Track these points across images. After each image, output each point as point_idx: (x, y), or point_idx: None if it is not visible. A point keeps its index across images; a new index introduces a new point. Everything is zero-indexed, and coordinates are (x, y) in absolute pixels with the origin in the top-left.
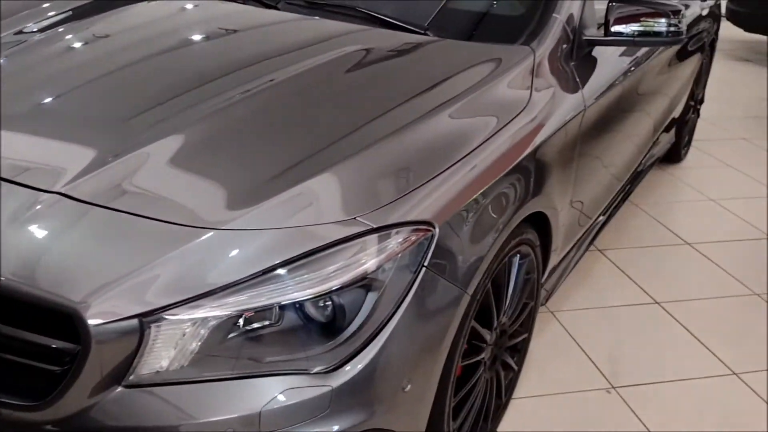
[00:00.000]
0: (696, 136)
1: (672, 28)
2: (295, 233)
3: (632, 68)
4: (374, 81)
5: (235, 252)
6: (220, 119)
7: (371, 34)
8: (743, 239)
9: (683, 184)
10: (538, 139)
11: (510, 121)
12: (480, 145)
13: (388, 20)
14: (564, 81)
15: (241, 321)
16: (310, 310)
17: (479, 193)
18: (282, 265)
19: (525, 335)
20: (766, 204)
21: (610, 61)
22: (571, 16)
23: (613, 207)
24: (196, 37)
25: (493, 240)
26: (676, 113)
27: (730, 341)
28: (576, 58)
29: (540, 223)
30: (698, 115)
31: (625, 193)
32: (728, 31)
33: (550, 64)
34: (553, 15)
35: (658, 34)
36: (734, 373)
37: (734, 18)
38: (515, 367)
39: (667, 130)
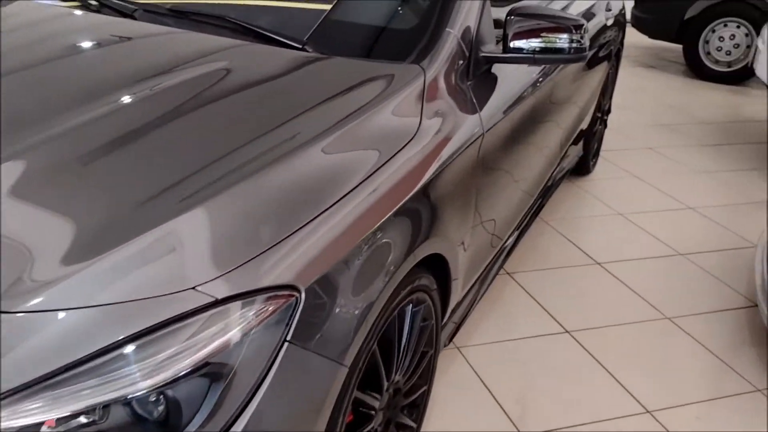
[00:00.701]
0: (604, 146)
1: (575, 45)
2: (113, 312)
3: (537, 82)
4: (232, 108)
5: (29, 342)
6: (48, 154)
7: (239, 49)
8: (652, 257)
9: (592, 198)
10: (429, 173)
11: (395, 155)
12: (357, 186)
13: (261, 33)
14: (459, 103)
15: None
16: (137, 408)
17: (356, 244)
18: (91, 357)
19: (424, 388)
20: (675, 218)
21: (512, 76)
22: (467, 30)
23: (523, 226)
24: (42, 54)
25: (377, 296)
26: (584, 125)
27: (643, 374)
28: (473, 77)
29: (437, 262)
30: (606, 126)
31: (535, 210)
32: (634, 37)
33: (443, 84)
34: (447, 29)
35: (560, 50)
36: (648, 412)
37: (639, 25)
38: (413, 425)
39: (575, 142)
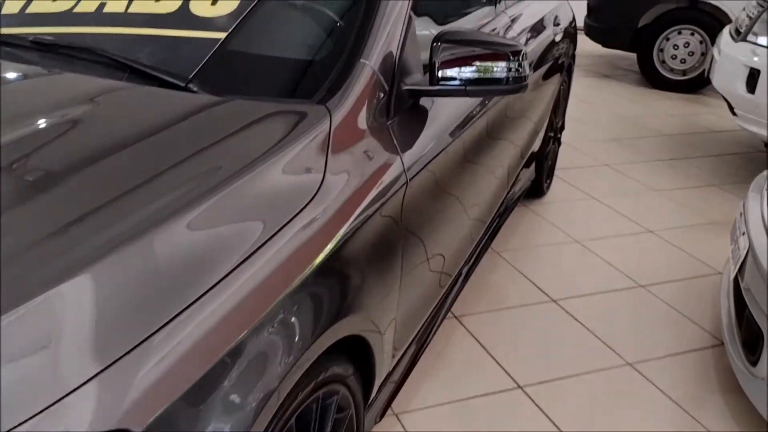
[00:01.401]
0: (559, 164)
1: (513, 74)
2: None
3: (479, 108)
4: (73, 171)
5: None
6: None
7: (106, 95)
8: (611, 290)
9: (547, 224)
10: (336, 239)
11: (288, 222)
12: (232, 271)
13: (138, 69)
14: (377, 148)
15: None
16: None
17: (229, 349)
18: None
19: None
20: (634, 243)
21: (448, 104)
22: (386, 60)
23: (472, 262)
24: None
25: (260, 407)
26: (536, 147)
27: None
28: (396, 114)
29: (356, 341)
30: (559, 144)
31: (486, 242)
32: (588, 46)
33: (356, 127)
34: (361, 61)
35: (496, 81)
36: None
37: (592, 33)
38: None
39: (527, 165)
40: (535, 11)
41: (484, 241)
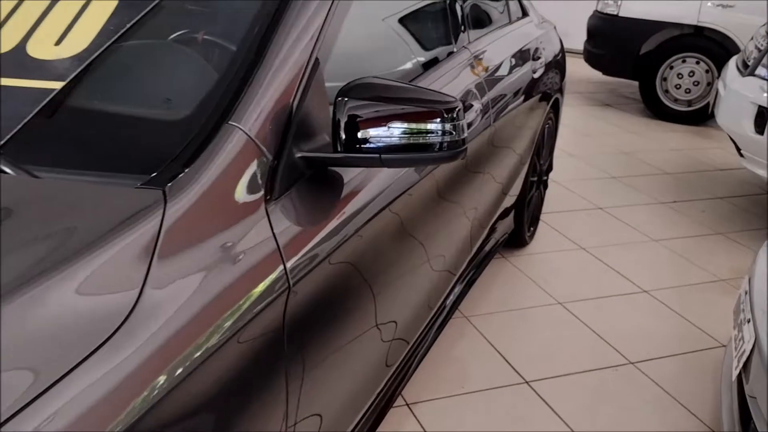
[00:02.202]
0: (546, 206)
1: (447, 138)
2: None
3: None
4: None
5: None
6: None
7: None
8: (597, 368)
9: (526, 281)
10: (158, 387)
11: (68, 373)
12: None
13: None
14: (240, 244)
15: None
16: None
17: None
18: None
19: None
20: (626, 308)
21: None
22: (272, 120)
23: (428, 338)
24: None
25: None
26: (514, 194)
27: None
28: (285, 191)
29: None
30: (546, 187)
31: (446, 313)
32: (589, 71)
33: (208, 216)
34: (229, 123)
35: (424, 147)
36: None
37: (591, 60)
38: None
39: (503, 216)
40: (509, 44)
41: (442, 315)
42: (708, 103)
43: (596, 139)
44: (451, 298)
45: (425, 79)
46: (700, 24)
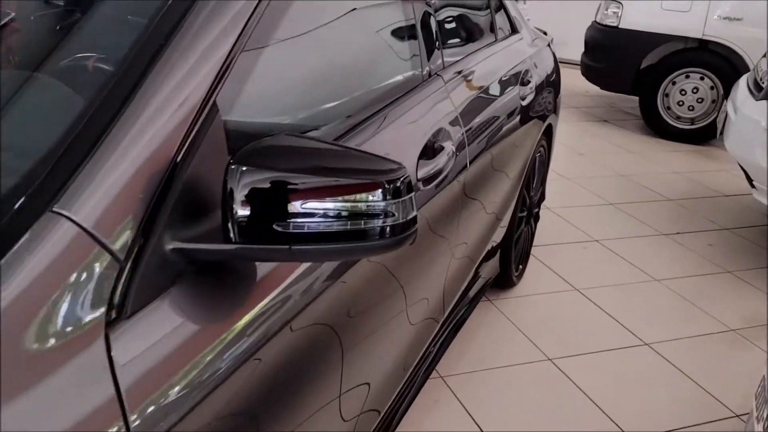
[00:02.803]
0: (540, 237)
1: (387, 221)
2: None
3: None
4: None
5: None
6: None
7: None
8: None
9: (513, 332)
10: None
11: None
12: None
13: None
14: (54, 412)
15: None
16: None
17: None
18: None
19: None
20: (624, 365)
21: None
22: (125, 200)
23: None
24: None
25: None
26: (497, 237)
27: None
28: (146, 302)
29: None
30: (537, 220)
31: (421, 377)
32: (587, 85)
33: (8, 362)
34: (52, 211)
35: (356, 234)
36: None
37: (589, 74)
38: None
39: (486, 259)
40: (493, 67)
41: (416, 378)
42: (712, 122)
43: (593, 160)
44: (424, 366)
45: (382, 118)
46: (705, 37)
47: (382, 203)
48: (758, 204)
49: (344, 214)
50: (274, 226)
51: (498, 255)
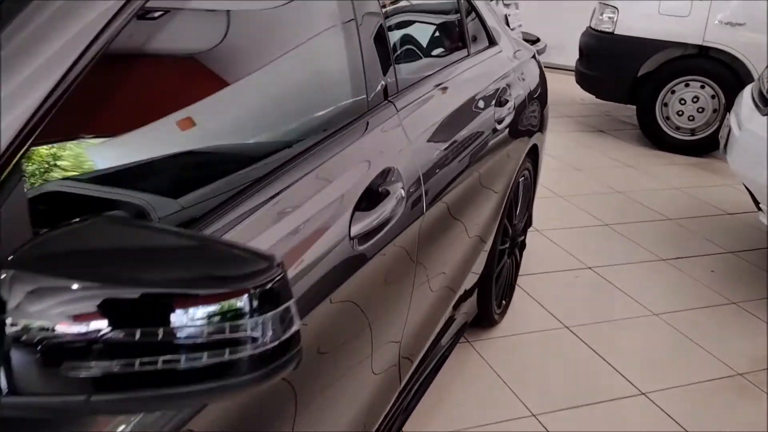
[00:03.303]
0: (527, 265)
1: (247, 349)
2: None
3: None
4: None
5: None
6: None
7: None
8: None
9: (494, 380)
10: None
11: None
12: None
13: None
14: None
15: None
16: None
17: None
18: None
19: None
20: (616, 420)
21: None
22: None
23: None
24: None
25: None
26: (476, 271)
27: None
28: None
29: None
30: (524, 247)
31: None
32: (580, 92)
33: None
34: None
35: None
36: None
37: (584, 83)
38: None
39: (462, 301)
40: (461, 88)
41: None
42: (713, 132)
43: (587, 175)
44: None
45: (309, 159)
46: (705, 44)
47: (248, 316)
48: (764, 224)
49: (180, 341)
50: (64, 366)
51: (475, 295)
